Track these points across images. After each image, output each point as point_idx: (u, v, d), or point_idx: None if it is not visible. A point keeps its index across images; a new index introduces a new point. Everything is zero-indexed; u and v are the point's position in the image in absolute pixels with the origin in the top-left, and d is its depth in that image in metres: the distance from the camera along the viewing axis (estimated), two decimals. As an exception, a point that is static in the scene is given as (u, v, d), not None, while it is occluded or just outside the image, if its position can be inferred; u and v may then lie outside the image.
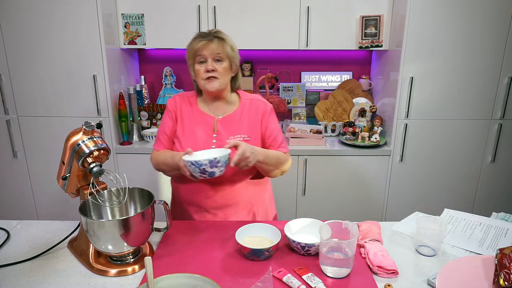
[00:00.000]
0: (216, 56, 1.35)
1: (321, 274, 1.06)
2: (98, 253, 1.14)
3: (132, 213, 1.24)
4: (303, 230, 1.23)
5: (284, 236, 1.18)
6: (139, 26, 2.50)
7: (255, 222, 1.25)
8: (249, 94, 1.52)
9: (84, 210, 1.12)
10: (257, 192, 1.52)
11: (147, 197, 1.20)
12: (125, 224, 1.04)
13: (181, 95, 1.52)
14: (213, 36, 1.36)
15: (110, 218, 1.21)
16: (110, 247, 1.06)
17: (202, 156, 1.27)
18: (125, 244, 1.06)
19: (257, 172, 1.50)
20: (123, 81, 2.64)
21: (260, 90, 2.57)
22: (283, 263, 1.11)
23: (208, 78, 1.36)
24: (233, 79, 1.47)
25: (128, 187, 1.19)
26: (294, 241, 1.14)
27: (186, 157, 1.24)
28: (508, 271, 0.92)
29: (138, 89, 2.67)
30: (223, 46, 1.35)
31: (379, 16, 2.47)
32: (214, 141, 1.42)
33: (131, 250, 1.10)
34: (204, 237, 1.26)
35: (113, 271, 1.09)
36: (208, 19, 2.47)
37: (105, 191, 1.20)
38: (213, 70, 1.35)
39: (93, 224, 1.04)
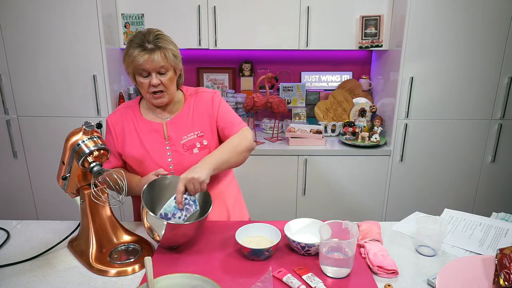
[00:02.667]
0: (160, 69, 1.26)
1: (321, 274, 1.06)
2: (98, 253, 1.14)
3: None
4: (303, 230, 1.23)
5: (284, 236, 1.18)
6: (139, 26, 2.50)
7: (254, 222, 1.25)
8: (192, 88, 1.44)
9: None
10: (224, 185, 1.49)
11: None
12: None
13: (122, 108, 1.42)
14: (154, 44, 1.23)
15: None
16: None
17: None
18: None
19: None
20: (123, 81, 2.64)
21: (260, 90, 2.57)
22: (283, 263, 1.11)
23: (154, 93, 1.28)
24: (178, 79, 1.39)
25: None
26: (294, 241, 1.14)
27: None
28: (508, 271, 0.92)
29: (138, 89, 2.67)
30: (166, 57, 1.25)
31: (379, 16, 2.47)
32: (168, 147, 1.35)
33: None
34: (204, 237, 1.26)
35: (113, 271, 1.09)
36: (208, 19, 2.47)
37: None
38: (158, 84, 1.27)
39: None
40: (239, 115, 2.85)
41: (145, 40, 1.24)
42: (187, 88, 1.45)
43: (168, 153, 1.35)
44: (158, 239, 1.12)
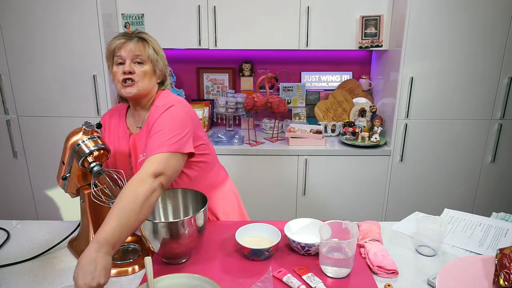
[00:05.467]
0: (135, 58, 1.19)
1: (321, 274, 1.06)
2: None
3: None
4: (303, 230, 1.23)
5: (284, 236, 1.18)
6: (139, 26, 2.50)
7: (254, 222, 1.25)
8: (166, 97, 1.27)
9: None
10: (213, 196, 1.40)
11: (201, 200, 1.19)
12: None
13: (114, 108, 1.38)
14: (135, 35, 1.21)
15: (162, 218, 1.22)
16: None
17: None
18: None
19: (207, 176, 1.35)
20: (123, 81, 2.64)
21: (260, 90, 2.57)
22: (283, 263, 1.11)
23: (125, 81, 1.19)
24: (161, 85, 1.31)
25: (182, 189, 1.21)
26: (294, 241, 1.14)
27: None
28: (508, 271, 0.92)
29: (138, 89, 2.67)
30: (144, 48, 1.20)
31: (379, 16, 2.47)
32: (130, 161, 1.29)
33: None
34: (204, 237, 1.26)
35: (113, 271, 1.09)
36: (208, 19, 2.47)
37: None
38: (130, 72, 1.18)
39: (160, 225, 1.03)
40: (238, 116, 2.85)
41: (127, 33, 1.23)
42: (162, 95, 1.28)
43: (129, 168, 1.31)
44: (153, 249, 1.07)
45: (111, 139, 1.33)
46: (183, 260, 1.12)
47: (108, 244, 0.89)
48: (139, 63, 1.21)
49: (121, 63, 1.21)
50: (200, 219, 1.08)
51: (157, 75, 1.27)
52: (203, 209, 1.09)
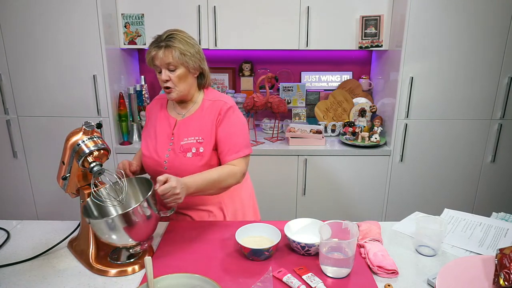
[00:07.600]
0: (168, 66, 1.32)
1: (321, 274, 1.06)
2: (98, 253, 1.14)
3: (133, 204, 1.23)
4: (303, 230, 1.23)
5: (284, 236, 1.18)
6: (139, 26, 2.50)
7: (254, 222, 1.25)
8: (216, 94, 1.46)
9: (87, 210, 1.12)
10: (228, 192, 1.46)
11: (146, 185, 1.19)
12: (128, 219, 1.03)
13: (157, 98, 1.54)
14: (164, 42, 1.30)
15: (114, 213, 1.21)
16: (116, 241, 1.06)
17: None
18: (130, 238, 1.06)
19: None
20: (123, 81, 2.64)
21: (260, 90, 2.57)
22: (283, 263, 1.11)
23: (166, 88, 1.35)
24: (200, 77, 1.42)
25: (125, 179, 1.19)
26: (294, 241, 1.14)
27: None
28: (508, 271, 0.92)
29: (138, 89, 2.67)
30: (171, 54, 1.29)
31: (379, 16, 2.47)
32: (170, 143, 1.41)
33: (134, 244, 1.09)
34: (204, 237, 1.26)
35: (113, 271, 1.09)
36: (208, 19, 2.47)
37: (104, 189, 1.20)
38: (167, 80, 1.33)
39: (100, 224, 1.03)
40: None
41: (159, 39, 1.32)
42: (211, 92, 1.46)
43: (168, 149, 1.40)
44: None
45: (152, 123, 1.48)
46: (146, 245, 1.13)
47: (186, 187, 1.20)
48: (172, 70, 1.33)
49: (160, 71, 1.35)
50: (144, 208, 1.06)
51: (192, 73, 1.38)
52: (148, 195, 1.07)
